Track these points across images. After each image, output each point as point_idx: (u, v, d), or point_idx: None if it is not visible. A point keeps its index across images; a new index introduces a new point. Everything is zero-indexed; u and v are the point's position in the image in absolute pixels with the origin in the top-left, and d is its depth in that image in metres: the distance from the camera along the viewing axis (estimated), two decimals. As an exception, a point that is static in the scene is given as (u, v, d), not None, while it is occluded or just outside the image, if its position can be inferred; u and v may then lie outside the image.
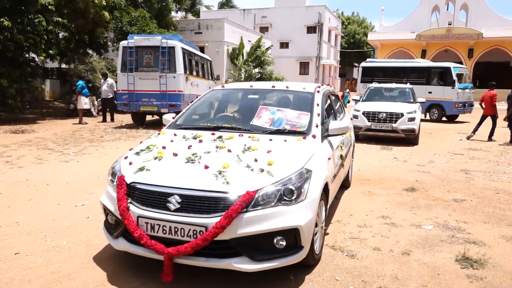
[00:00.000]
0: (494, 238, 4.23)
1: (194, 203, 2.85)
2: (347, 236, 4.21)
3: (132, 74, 12.93)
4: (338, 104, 5.85)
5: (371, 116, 10.94)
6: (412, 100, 11.98)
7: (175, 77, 12.98)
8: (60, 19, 14.32)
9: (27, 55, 14.91)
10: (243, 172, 3.04)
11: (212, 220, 2.76)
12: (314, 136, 3.75)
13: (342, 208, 5.15)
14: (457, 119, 19.09)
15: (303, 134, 3.79)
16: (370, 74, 19.86)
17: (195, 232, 2.79)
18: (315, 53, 41.19)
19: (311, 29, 41.26)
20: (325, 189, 3.51)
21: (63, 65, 21.82)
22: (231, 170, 3.05)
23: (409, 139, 10.95)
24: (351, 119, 6.31)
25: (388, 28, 39.95)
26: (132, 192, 3.06)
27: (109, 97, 14.79)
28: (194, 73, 14.74)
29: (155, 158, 3.34)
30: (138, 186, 3.06)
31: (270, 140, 3.62)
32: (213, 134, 3.81)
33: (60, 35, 15.92)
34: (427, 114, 18.74)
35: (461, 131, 14.58)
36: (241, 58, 27.37)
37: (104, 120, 14.90)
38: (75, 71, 17.67)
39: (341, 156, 4.56)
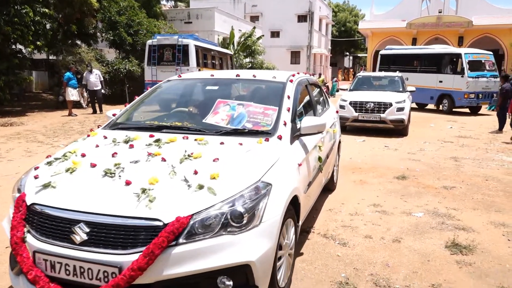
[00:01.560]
0: (483, 224, 4.31)
1: (106, 234, 2.15)
2: (339, 224, 4.25)
3: (155, 67, 15.40)
4: (320, 95, 5.19)
5: (358, 106, 10.52)
6: (401, 89, 11.62)
7: (189, 69, 14.92)
8: (47, 10, 14.05)
9: (14, 47, 14.65)
10: (176, 190, 2.31)
11: (129, 258, 2.08)
12: (280, 137, 2.99)
13: (334, 196, 5.18)
14: (480, 111, 17.08)
15: (267, 134, 3.05)
16: (387, 62, 18.78)
17: (106, 273, 2.11)
18: (306, 42, 41.04)
19: (302, 18, 41.03)
20: (295, 203, 2.90)
21: (51, 57, 21.49)
22: (160, 187, 2.32)
23: (398, 130, 10.56)
24: (337, 111, 5.76)
25: (378, 17, 39.86)
26: (32, 217, 2.35)
27: (97, 88, 14.68)
28: (210, 65, 17.01)
29: (67, 170, 2.58)
30: (39, 209, 2.34)
31: (221, 143, 2.85)
32: (151, 136, 3.03)
33: (48, 26, 15.65)
34: (440, 105, 17.34)
35: (451, 119, 14.71)
36: (231, 48, 27.19)
37: (94, 111, 14.77)
38: (63, 62, 17.40)
39: (319, 158, 3.80)
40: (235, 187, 2.35)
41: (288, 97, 3.49)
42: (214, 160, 2.59)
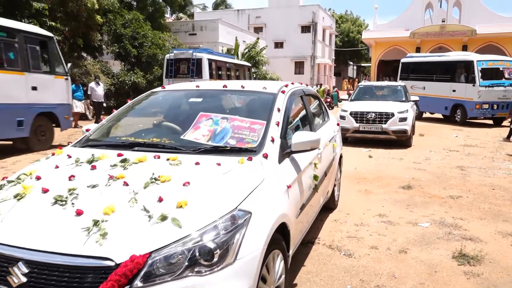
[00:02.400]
0: (491, 234, 4.26)
1: (47, 276, 1.80)
2: (344, 235, 4.22)
3: (172, 79, 16.05)
4: (319, 107, 4.86)
5: (359, 116, 10.16)
6: (404, 99, 11.26)
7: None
8: (53, 23, 14.28)
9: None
10: (134, 222, 1.95)
11: None
12: (265, 156, 2.61)
13: (339, 207, 5.16)
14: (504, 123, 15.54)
15: (252, 152, 2.66)
16: (407, 71, 18.02)
17: None
18: (309, 52, 41.25)
19: (305, 29, 41.31)
20: (284, 231, 2.54)
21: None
22: (116, 218, 1.97)
23: (401, 141, 10.21)
24: (338, 124, 5.39)
25: (382, 26, 40.03)
26: None
27: (101, 100, 14.87)
28: (225, 77, 17.99)
29: (15, 197, 2.23)
30: None
31: (197, 164, 2.46)
32: (119, 155, 2.64)
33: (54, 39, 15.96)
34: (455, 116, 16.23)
35: (456, 128, 14.65)
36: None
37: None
38: (70, 74, 17.65)
39: (315, 177, 3.39)
40: (206, 217, 1.98)
41: (278, 110, 3.10)
42: (184, 184, 2.21)
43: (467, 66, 15.44)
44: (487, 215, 4.88)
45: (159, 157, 2.61)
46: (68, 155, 2.80)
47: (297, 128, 3.58)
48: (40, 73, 9.17)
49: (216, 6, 46.52)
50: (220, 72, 17.79)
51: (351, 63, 56.28)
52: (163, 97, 3.90)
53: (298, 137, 2.92)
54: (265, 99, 3.35)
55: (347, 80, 49.05)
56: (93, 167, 2.52)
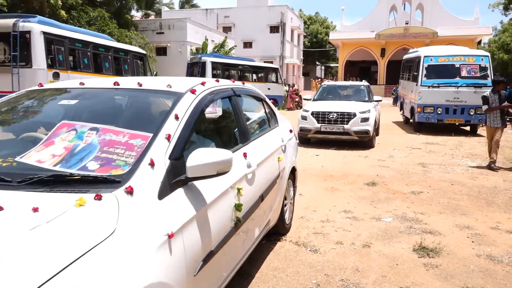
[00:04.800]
0: (449, 227, 4.45)
1: None
2: (311, 231, 4.29)
3: None
4: (260, 112, 3.96)
5: (320, 116, 9.79)
6: (367, 99, 10.93)
7: None
8: (13, 20, 13.75)
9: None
10: None
11: None
12: (129, 190, 1.73)
13: (305, 204, 5.24)
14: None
15: (114, 184, 1.77)
16: (404, 69, 16.04)
17: None
18: (278, 53, 41.53)
19: (274, 29, 41.55)
20: None
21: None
22: None
23: (364, 142, 9.91)
24: (291, 131, 4.47)
25: (348, 28, 40.88)
26: None
27: None
28: (236, 78, 19.22)
29: None
30: None
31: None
32: None
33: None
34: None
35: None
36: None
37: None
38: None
39: (237, 206, 2.52)
40: None
41: (176, 117, 2.24)
42: None
43: (417, 62, 13.18)
44: (446, 209, 5.09)
45: None
46: None
47: (219, 142, 2.95)
48: None
49: (182, 5, 46.06)
50: (228, 73, 19.72)
51: (319, 63, 57.14)
52: (36, 99, 2.87)
53: (197, 157, 2.03)
54: (164, 101, 2.52)
55: (316, 80, 49.78)
56: None
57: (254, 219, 2.97)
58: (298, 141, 6.57)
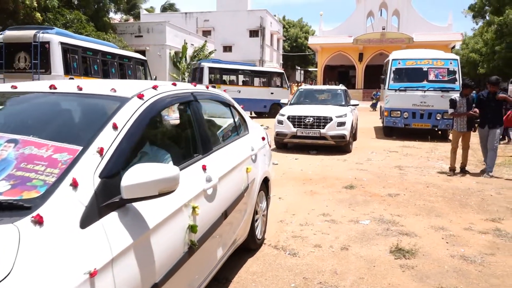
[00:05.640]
0: (424, 229, 4.54)
1: None
2: (289, 235, 4.31)
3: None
4: (227, 118, 3.67)
5: (296, 121, 9.61)
6: (343, 103, 10.77)
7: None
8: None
9: None
10: None
11: None
12: (38, 220, 1.42)
13: (284, 208, 5.26)
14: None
15: (22, 211, 1.46)
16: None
17: None
18: (258, 57, 41.70)
19: (253, 33, 41.74)
20: None
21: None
22: None
23: (340, 146, 9.76)
24: (263, 138, 4.21)
25: (327, 33, 41.44)
26: None
27: None
28: (240, 83, 20.72)
29: None
30: None
31: None
32: None
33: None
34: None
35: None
36: (184, 62, 27.10)
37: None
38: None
39: (192, 228, 2.20)
40: None
41: (115, 127, 1.92)
42: None
43: (388, 66, 12.84)
44: (422, 211, 5.19)
45: None
46: None
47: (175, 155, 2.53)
48: None
49: (163, 10, 45.78)
50: (232, 78, 20.91)
51: (299, 68, 57.61)
52: None
53: (135, 175, 1.71)
54: (104, 107, 2.15)
55: (295, 84, 50.17)
56: None
57: (216, 239, 2.68)
58: (275, 146, 6.14)
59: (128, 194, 1.70)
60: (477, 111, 7.36)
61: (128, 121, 2.01)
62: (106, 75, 12.65)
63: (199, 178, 2.49)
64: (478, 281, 3.31)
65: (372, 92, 29.35)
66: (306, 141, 9.76)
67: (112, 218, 1.70)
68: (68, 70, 10.80)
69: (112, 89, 2.27)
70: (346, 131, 9.53)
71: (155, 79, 15.35)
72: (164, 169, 1.79)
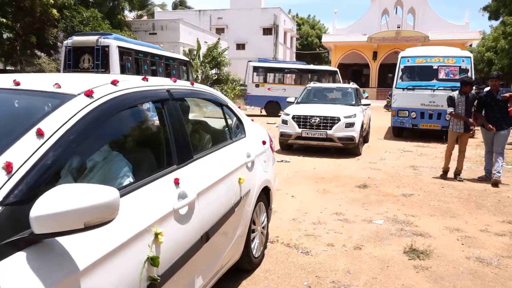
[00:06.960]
0: (439, 230, 4.48)
1: None
2: (302, 233, 4.30)
3: None
4: (219, 120, 3.33)
5: (302, 121, 9.03)
6: (353, 102, 10.09)
7: (247, 85, 21.77)
8: (4, 20, 13.65)
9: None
10: None
11: None
12: None
13: (297, 206, 5.25)
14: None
15: None
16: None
17: None
18: (271, 55, 41.58)
19: (267, 31, 41.64)
20: None
21: (9, 67, 20.79)
22: None
23: (348, 149, 9.08)
24: (264, 142, 3.72)
25: (341, 31, 41.12)
26: None
27: None
28: (277, 81, 22.08)
29: None
30: None
31: None
32: None
33: (4, 36, 15.42)
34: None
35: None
36: (197, 60, 27.19)
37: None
38: (23, 73, 17.04)
39: (152, 260, 1.73)
40: None
41: (40, 134, 1.47)
42: None
43: (397, 63, 12.33)
44: (437, 212, 5.13)
45: None
46: None
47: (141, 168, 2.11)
48: None
49: (175, 6, 45.99)
50: (274, 78, 21.99)
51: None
52: None
53: (50, 201, 1.24)
54: (37, 108, 1.71)
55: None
56: None
57: (191, 269, 2.16)
58: (279, 147, 5.72)
59: (40, 228, 1.22)
60: (474, 123, 7.05)
61: (63, 126, 1.54)
62: (154, 74, 13.64)
63: (168, 195, 2.00)
64: (494, 284, 3.26)
65: (388, 91, 29.04)
66: (311, 143, 9.20)
67: (18, 261, 1.22)
68: (124, 70, 12.01)
69: (56, 84, 1.78)
70: (355, 132, 8.90)
71: (196, 78, 16.09)
72: (96, 193, 1.31)
